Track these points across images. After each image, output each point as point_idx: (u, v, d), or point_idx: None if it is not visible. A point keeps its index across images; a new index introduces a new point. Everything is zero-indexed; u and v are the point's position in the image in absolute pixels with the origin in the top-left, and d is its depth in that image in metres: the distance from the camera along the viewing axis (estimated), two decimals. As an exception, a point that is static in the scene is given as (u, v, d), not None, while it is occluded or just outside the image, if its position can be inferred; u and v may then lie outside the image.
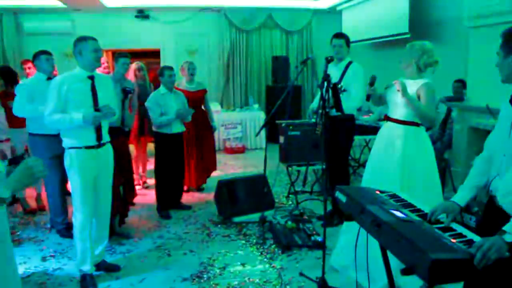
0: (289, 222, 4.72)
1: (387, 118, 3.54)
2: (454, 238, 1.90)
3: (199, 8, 9.90)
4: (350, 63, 4.70)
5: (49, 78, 4.46)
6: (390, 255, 2.44)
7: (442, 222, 2.13)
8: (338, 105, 3.00)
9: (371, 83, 3.56)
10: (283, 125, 5.53)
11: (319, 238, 4.29)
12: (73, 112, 3.38)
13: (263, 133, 9.29)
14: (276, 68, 9.96)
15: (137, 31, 9.94)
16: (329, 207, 4.85)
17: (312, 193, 6.02)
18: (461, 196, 2.21)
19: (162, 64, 10.16)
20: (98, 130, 3.53)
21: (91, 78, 3.51)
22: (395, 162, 3.40)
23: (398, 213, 2.15)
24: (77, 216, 3.50)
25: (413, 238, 1.82)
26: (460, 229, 2.05)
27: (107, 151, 3.66)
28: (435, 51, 3.42)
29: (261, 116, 9.46)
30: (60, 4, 8.63)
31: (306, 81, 10.87)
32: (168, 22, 10.01)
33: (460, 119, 5.96)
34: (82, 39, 3.47)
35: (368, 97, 3.61)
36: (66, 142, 3.48)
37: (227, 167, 7.75)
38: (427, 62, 3.37)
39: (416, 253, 1.73)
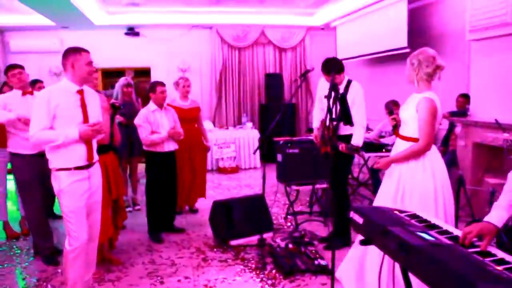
0: (290, 245, 4.42)
1: (397, 135, 3.32)
2: (497, 265, 1.64)
3: (191, 25, 9.71)
4: (349, 81, 4.44)
5: (27, 93, 4.23)
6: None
7: (477, 246, 1.87)
8: (347, 116, 2.75)
9: (390, 112, 3.32)
10: (281, 142, 5.28)
11: (324, 262, 4.00)
12: (66, 128, 3.11)
13: (257, 152, 9.11)
14: (269, 85, 9.77)
15: (127, 49, 9.70)
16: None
17: (311, 213, 5.73)
18: (497, 216, 1.96)
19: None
20: (90, 148, 3.26)
21: (81, 92, 3.24)
22: (394, 181, 3.16)
23: (426, 236, 1.89)
24: (71, 242, 3.20)
25: (453, 266, 1.55)
26: (500, 253, 1.79)
27: (97, 171, 3.40)
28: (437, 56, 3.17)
29: (255, 134, 9.21)
30: (48, 22, 8.39)
31: (300, 99, 10.67)
32: (159, 39, 9.80)
33: (465, 135, 5.75)
34: (75, 50, 3.21)
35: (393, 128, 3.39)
36: (55, 163, 3.18)
37: (221, 188, 7.45)
38: (427, 71, 3.09)
39: (459, 284, 1.46)
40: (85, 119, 3.22)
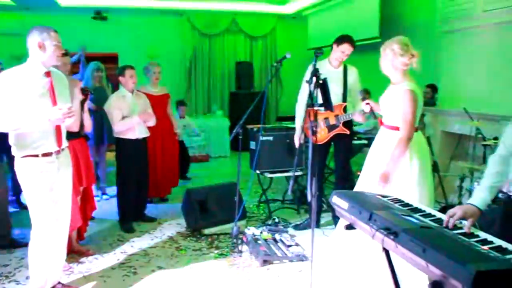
0: (264, 233, 4.40)
1: (381, 123, 3.34)
2: (482, 245, 1.66)
3: (161, 11, 9.50)
4: (345, 66, 4.47)
5: None
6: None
7: (460, 228, 1.89)
8: (327, 101, 2.74)
9: (363, 98, 3.34)
10: (255, 130, 5.23)
11: (299, 249, 4.01)
12: (33, 113, 2.88)
13: (226, 141, 9.04)
14: (239, 73, 9.71)
15: (94, 33, 9.41)
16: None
17: (284, 201, 5.74)
18: (480, 198, 1.98)
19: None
20: (59, 133, 3.10)
21: (48, 74, 3.07)
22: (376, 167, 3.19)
23: (412, 219, 1.90)
24: (37, 233, 3.02)
25: (443, 247, 1.56)
26: (482, 234, 1.81)
27: (67, 158, 3.24)
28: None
29: (225, 123, 9.14)
30: (7, 2, 8.02)
31: (270, 87, 10.65)
32: (128, 25, 9.55)
33: (433, 123, 5.87)
34: (43, 30, 2.99)
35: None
36: (19, 150, 2.97)
37: (192, 177, 7.36)
38: (403, 60, 3.08)
39: (450, 265, 1.46)
40: (54, 103, 3.03)
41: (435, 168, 4.27)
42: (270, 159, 5.15)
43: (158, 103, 5.47)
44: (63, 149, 3.16)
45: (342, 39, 4.32)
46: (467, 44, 5.48)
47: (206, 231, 4.60)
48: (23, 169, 2.99)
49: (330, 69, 4.36)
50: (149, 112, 4.85)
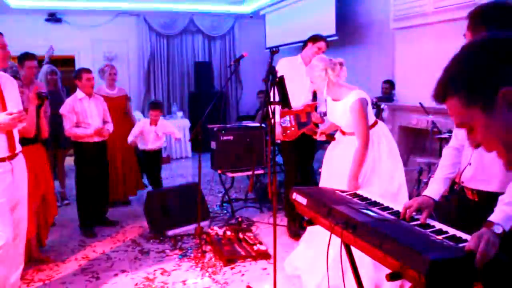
0: (228, 232, 4.40)
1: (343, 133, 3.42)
2: (437, 235, 1.71)
3: (117, 12, 9.34)
4: None
5: None
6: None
7: (417, 219, 1.95)
8: (285, 99, 2.76)
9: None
10: (215, 129, 5.22)
11: (263, 247, 4.03)
12: None
13: (188, 142, 8.98)
14: (199, 74, 9.65)
15: (48, 36, 9.08)
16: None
17: (246, 200, 5.76)
18: (434, 189, 2.05)
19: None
20: (10, 138, 3.00)
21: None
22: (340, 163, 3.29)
23: (370, 213, 1.94)
24: None
25: (399, 238, 1.60)
26: (438, 225, 1.87)
27: (21, 163, 3.14)
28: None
29: (185, 123, 9.07)
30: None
31: (230, 87, 10.65)
32: (84, 26, 9.32)
33: (391, 118, 6.01)
34: None
35: None
36: None
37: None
38: (335, 73, 3.21)
39: (406, 255, 1.51)
40: (3, 107, 2.93)
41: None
42: (231, 159, 5.16)
43: (116, 105, 5.39)
44: (16, 154, 3.07)
45: (318, 37, 4.41)
46: (421, 40, 5.64)
47: (169, 232, 4.57)
48: None
49: (302, 66, 4.33)
50: (104, 129, 4.73)
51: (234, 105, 10.70)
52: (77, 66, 9.41)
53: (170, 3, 9.18)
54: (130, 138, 5.46)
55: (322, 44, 4.36)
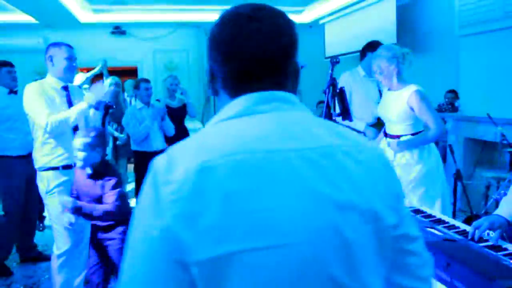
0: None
1: (385, 135, 3.29)
2: (511, 259, 1.59)
3: (178, 24, 9.58)
4: None
5: (12, 92, 4.08)
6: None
7: (486, 240, 1.82)
8: (346, 112, 2.70)
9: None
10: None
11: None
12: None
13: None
14: (258, 84, 9.67)
15: (113, 48, 9.53)
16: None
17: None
18: (508, 210, 1.91)
19: (140, 82, 9.81)
20: None
21: (66, 88, 3.14)
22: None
23: (435, 232, 1.84)
24: (59, 246, 3.09)
25: (468, 262, 1.50)
26: (510, 247, 1.74)
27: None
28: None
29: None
30: (32, 20, 8.21)
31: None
32: (146, 38, 9.65)
33: (455, 130, 5.75)
34: (55, 45, 3.12)
35: None
36: (44, 161, 3.05)
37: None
38: (403, 66, 3.16)
39: (477, 281, 1.41)
40: None
41: (458, 176, 4.15)
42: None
43: (176, 115, 5.48)
44: None
45: (376, 44, 4.12)
46: (489, 47, 5.37)
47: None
48: (47, 181, 3.08)
49: (366, 78, 4.19)
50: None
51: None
52: (139, 76, 9.76)
53: (230, 15, 9.28)
54: None
55: None
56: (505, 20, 5.08)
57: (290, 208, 0.75)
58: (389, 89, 3.26)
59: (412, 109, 3.04)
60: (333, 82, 2.71)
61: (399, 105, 3.08)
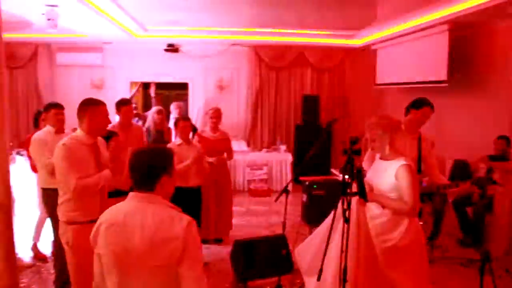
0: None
1: None
2: None
3: (229, 43, 9.71)
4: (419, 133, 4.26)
5: (59, 132, 4.29)
6: None
7: None
8: (362, 191, 2.66)
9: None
10: (307, 183, 5.17)
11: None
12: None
13: (288, 175, 8.97)
14: (306, 107, 9.61)
15: (166, 64, 9.84)
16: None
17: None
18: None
19: (190, 97, 10.04)
20: (103, 197, 3.30)
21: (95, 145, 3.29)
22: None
23: None
24: None
25: None
26: None
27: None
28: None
29: (288, 158, 9.12)
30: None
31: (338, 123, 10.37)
32: (198, 56, 9.87)
33: (505, 181, 5.43)
34: (92, 103, 3.23)
35: None
36: (66, 215, 3.20)
37: (249, 214, 7.39)
38: (394, 136, 3.21)
39: None
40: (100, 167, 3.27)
41: (486, 259, 3.43)
42: (321, 213, 5.05)
43: (214, 148, 5.54)
44: None
45: (422, 103, 4.10)
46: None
47: (251, 283, 4.60)
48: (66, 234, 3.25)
49: (406, 136, 4.06)
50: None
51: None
52: (190, 92, 10.01)
53: (281, 36, 9.30)
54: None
55: (427, 110, 4.10)
56: None
57: None
58: (380, 158, 3.28)
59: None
60: (350, 161, 2.67)
61: (387, 176, 3.12)
